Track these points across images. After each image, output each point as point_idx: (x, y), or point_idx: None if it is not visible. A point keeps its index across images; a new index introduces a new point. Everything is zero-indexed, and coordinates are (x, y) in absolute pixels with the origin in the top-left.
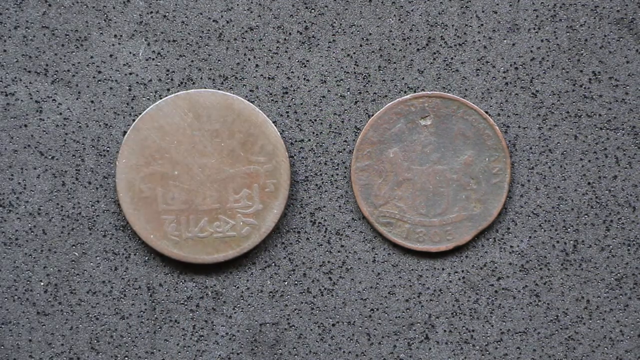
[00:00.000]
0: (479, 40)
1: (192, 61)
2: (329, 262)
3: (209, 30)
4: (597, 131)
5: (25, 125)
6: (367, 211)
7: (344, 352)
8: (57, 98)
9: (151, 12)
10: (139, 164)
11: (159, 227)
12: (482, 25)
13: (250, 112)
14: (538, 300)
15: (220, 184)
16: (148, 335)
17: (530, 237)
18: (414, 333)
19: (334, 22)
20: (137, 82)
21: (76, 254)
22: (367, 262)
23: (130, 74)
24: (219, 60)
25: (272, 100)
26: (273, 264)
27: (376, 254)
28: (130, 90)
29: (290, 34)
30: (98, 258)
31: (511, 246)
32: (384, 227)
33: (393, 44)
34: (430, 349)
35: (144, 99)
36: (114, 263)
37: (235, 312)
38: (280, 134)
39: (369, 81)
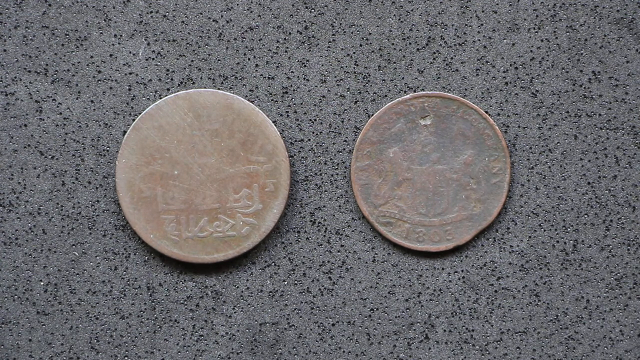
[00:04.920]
0: (479, 40)
1: (192, 61)
2: (328, 261)
3: (208, 30)
4: (597, 131)
5: (25, 125)
6: (367, 211)
7: (343, 351)
8: (57, 98)
9: (151, 12)
10: (139, 163)
11: (159, 227)
12: (482, 25)
13: (250, 111)
14: (538, 300)
15: (220, 183)
16: (148, 335)
17: (530, 236)
18: (414, 333)
19: (334, 22)
20: (137, 82)
21: (76, 253)
22: (367, 262)
23: (130, 73)
24: (218, 60)
25: (272, 100)
26: (273, 264)
27: (376, 253)
28: (130, 90)
29: (290, 33)
30: (98, 258)
31: (511, 246)
32: (383, 226)
33: (393, 44)
34: (430, 348)
35: (143, 98)
36: (114, 263)
37: (235, 312)
38: (280, 133)
39: (368, 81)
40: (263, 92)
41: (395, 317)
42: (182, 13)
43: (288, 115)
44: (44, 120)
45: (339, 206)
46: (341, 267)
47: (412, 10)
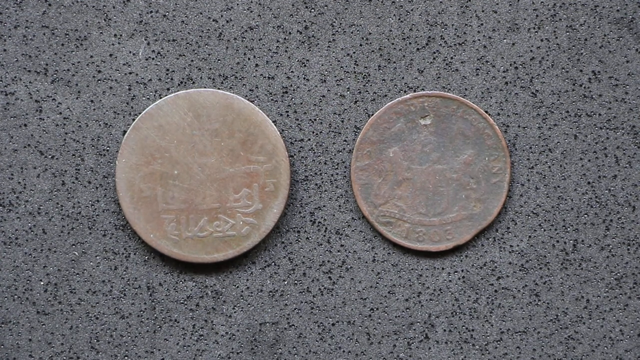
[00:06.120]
0: (479, 40)
1: (192, 60)
2: (328, 261)
3: (208, 29)
4: (597, 131)
5: (25, 125)
6: (367, 210)
7: (343, 351)
8: (57, 97)
9: (151, 12)
10: (139, 163)
11: (159, 227)
12: (482, 24)
13: (250, 111)
14: (538, 300)
15: (220, 183)
16: (148, 335)
17: (530, 236)
18: (414, 333)
19: (334, 22)
20: (137, 82)
21: (76, 253)
22: (366, 262)
23: (130, 73)
24: (218, 60)
25: (272, 99)
26: (273, 264)
27: (376, 253)
28: (130, 89)
29: (290, 33)
30: (98, 257)
31: (511, 246)
32: (383, 226)
33: (393, 44)
34: (430, 348)
35: (143, 98)
36: (114, 262)
37: (235, 312)
38: (280, 133)
39: (368, 81)
40: (263, 92)
41: (395, 316)
42: (182, 13)
43: (288, 115)
44: (43, 120)
45: (339, 206)
46: (341, 266)
47: (412, 10)
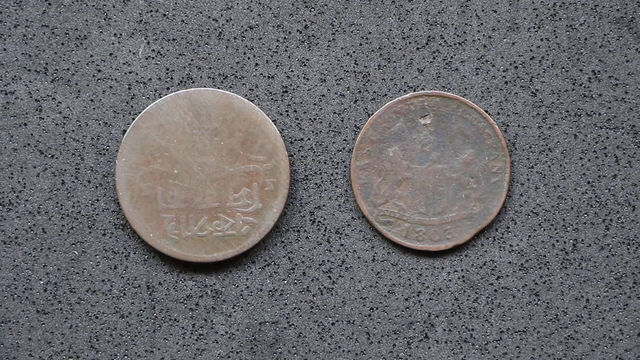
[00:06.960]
0: (479, 39)
1: (192, 60)
2: (328, 261)
3: (208, 29)
4: (597, 130)
5: (25, 124)
6: (367, 210)
7: (343, 351)
8: (56, 97)
9: (151, 11)
10: (139, 162)
11: (159, 226)
12: (481, 24)
13: (250, 111)
14: (537, 300)
15: (220, 182)
16: (147, 334)
17: (529, 236)
18: (414, 332)
19: (334, 21)
20: (137, 81)
21: (76, 252)
22: (366, 261)
23: (130, 72)
24: (218, 59)
25: (272, 99)
26: (272, 263)
27: (376, 252)
28: (130, 89)
29: (290, 32)
30: (97, 257)
31: (511, 245)
32: (383, 226)
33: (393, 43)
34: (429, 348)
35: (143, 97)
36: (114, 262)
37: (234, 311)
38: (280, 132)
39: (368, 80)
40: (263, 91)
41: (395, 316)
42: (181, 12)
43: (288, 115)
44: (43, 119)
45: (339, 205)
46: (341, 266)
47: (411, 9)
